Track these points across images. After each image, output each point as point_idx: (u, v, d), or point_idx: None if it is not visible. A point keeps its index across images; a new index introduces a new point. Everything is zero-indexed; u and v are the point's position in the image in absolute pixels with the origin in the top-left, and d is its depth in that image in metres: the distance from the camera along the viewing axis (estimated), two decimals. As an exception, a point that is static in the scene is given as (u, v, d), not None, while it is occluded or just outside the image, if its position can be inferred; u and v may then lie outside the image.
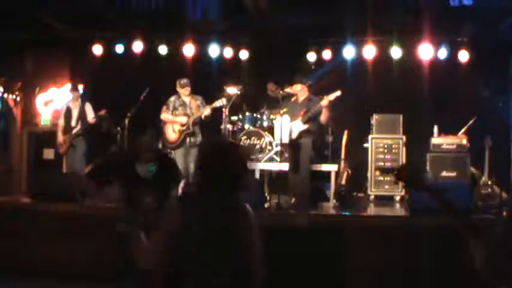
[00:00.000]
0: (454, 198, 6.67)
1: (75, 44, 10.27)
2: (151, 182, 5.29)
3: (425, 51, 9.26)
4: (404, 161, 8.81)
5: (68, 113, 9.03)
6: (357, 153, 9.23)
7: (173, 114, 8.44)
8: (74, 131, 8.88)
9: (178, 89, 8.46)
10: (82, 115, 8.92)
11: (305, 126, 7.83)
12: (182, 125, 8.38)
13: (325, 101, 7.68)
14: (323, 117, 7.85)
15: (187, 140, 8.38)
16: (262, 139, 8.91)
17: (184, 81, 8.43)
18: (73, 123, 8.94)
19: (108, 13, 9.53)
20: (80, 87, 9.46)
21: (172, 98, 8.51)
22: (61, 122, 9.10)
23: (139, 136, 5.56)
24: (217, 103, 8.38)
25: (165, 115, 8.48)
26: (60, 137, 9.02)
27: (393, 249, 6.18)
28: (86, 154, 8.85)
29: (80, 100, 9.08)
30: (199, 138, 8.44)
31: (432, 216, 6.19)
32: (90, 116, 8.86)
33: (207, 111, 8.31)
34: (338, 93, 7.72)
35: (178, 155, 8.33)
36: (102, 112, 8.75)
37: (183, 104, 8.45)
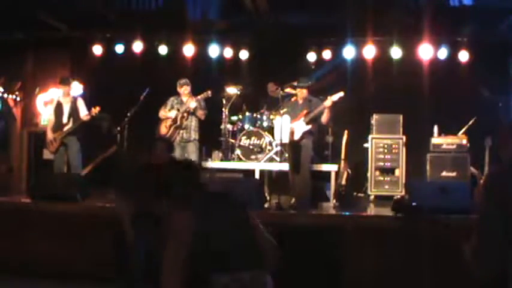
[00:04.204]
0: (454, 198, 6.64)
1: (75, 44, 10.28)
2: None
3: (425, 51, 9.26)
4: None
5: (59, 108, 8.51)
6: (357, 153, 9.24)
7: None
8: (65, 128, 8.42)
9: (178, 89, 8.49)
10: (74, 111, 8.44)
11: (308, 127, 7.83)
12: (172, 120, 8.41)
13: (329, 101, 7.69)
14: (324, 118, 7.85)
15: (180, 136, 8.37)
16: (262, 139, 8.91)
17: (182, 80, 8.45)
18: (64, 119, 8.44)
19: (108, 13, 9.53)
20: (74, 81, 9.28)
21: (171, 98, 8.58)
22: (51, 118, 8.59)
23: (151, 147, 5.60)
24: (203, 95, 8.39)
25: (161, 112, 8.56)
26: (49, 135, 8.49)
27: (393, 249, 6.18)
28: (80, 152, 8.46)
29: (71, 95, 8.66)
30: (193, 135, 8.41)
31: (431, 217, 6.22)
32: (83, 112, 8.43)
33: (192, 103, 8.30)
34: (341, 94, 7.73)
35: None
36: (96, 109, 8.31)
37: (180, 103, 8.48)
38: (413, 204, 6.40)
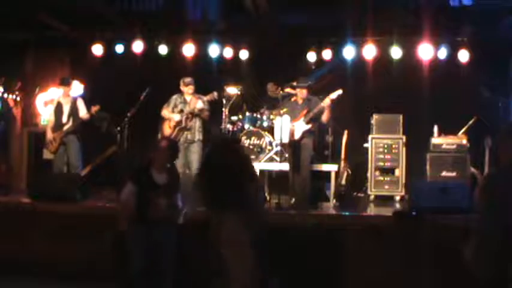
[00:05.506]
0: (454, 198, 6.65)
1: (75, 44, 10.28)
2: (163, 188, 5.46)
3: (425, 51, 9.26)
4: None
5: (59, 108, 8.53)
6: (357, 153, 9.23)
7: (173, 112, 8.45)
8: (65, 128, 8.42)
9: (182, 88, 8.44)
10: (74, 111, 8.45)
11: (308, 126, 7.83)
12: (176, 121, 8.38)
13: (328, 100, 7.69)
14: (324, 117, 7.85)
15: (185, 137, 8.34)
16: (262, 139, 8.91)
17: (188, 79, 8.41)
18: (64, 119, 8.45)
19: (108, 13, 9.53)
20: (74, 82, 9.27)
21: (174, 96, 8.50)
22: (51, 118, 8.59)
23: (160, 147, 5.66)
24: (209, 96, 8.37)
25: (164, 111, 8.49)
26: (49, 134, 8.49)
27: (393, 249, 6.18)
28: (80, 152, 8.47)
29: (71, 95, 8.70)
30: (197, 135, 8.38)
31: (431, 216, 6.22)
32: (83, 112, 8.45)
33: (198, 104, 8.27)
34: (340, 91, 7.71)
35: None
36: (95, 108, 8.35)
37: (184, 102, 8.43)
38: (413, 213, 6.42)
